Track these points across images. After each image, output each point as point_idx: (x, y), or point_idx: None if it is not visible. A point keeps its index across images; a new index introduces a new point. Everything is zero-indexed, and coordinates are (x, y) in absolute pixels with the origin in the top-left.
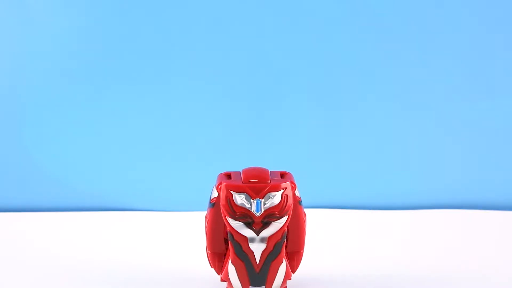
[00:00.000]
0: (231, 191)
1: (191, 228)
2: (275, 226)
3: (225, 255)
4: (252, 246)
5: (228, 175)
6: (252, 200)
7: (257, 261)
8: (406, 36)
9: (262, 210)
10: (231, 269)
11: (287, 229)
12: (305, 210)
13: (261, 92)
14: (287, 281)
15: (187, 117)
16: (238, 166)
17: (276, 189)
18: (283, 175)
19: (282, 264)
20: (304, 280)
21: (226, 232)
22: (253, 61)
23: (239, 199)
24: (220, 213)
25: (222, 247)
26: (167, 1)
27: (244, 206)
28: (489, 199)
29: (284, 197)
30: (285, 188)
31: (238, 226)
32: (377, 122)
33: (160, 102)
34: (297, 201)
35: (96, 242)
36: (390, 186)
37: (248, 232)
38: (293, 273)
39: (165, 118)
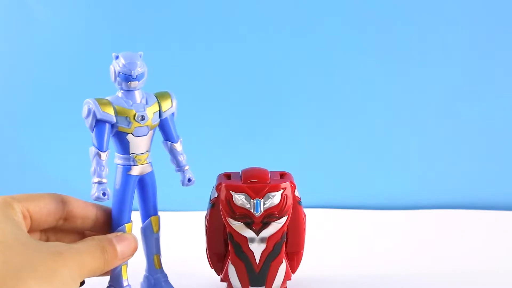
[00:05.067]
0: (230, 192)
1: (191, 228)
2: (275, 226)
3: (225, 255)
4: (252, 246)
5: (228, 176)
6: (251, 200)
7: (257, 262)
8: (404, 37)
9: (262, 210)
10: (231, 269)
11: (287, 229)
12: (305, 210)
13: (261, 93)
14: (287, 281)
15: (187, 118)
16: (237, 166)
17: (275, 189)
18: (282, 175)
19: (282, 264)
20: (304, 280)
21: (226, 232)
22: (254, 63)
23: (239, 199)
24: (219, 214)
25: (222, 247)
26: (170, 2)
27: (244, 207)
28: (489, 199)
29: (283, 197)
30: (285, 188)
31: (238, 226)
32: (377, 123)
33: None
34: (297, 201)
35: None
36: (390, 186)
37: (248, 233)
38: (293, 273)
39: None
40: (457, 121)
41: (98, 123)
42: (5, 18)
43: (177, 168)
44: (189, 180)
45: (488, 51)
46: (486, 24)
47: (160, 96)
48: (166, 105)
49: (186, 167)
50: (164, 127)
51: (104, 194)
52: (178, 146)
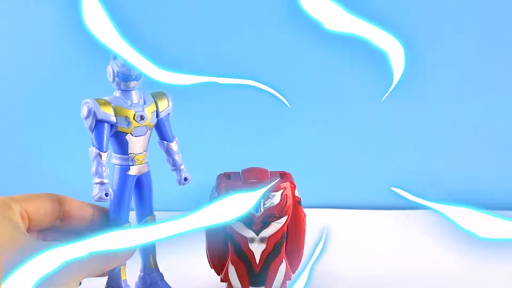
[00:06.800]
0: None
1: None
2: (275, 226)
3: (225, 255)
4: (252, 246)
5: (228, 176)
6: None
7: (257, 261)
8: (404, 38)
9: (262, 210)
10: (231, 269)
11: (287, 229)
12: (305, 210)
13: (261, 93)
14: (287, 281)
15: (187, 118)
16: (238, 166)
17: (275, 189)
18: (282, 175)
19: (282, 264)
20: None
21: (226, 232)
22: (255, 63)
23: None
24: None
25: (222, 247)
26: (171, 3)
27: None
28: (489, 199)
29: (283, 197)
30: (285, 188)
31: (238, 226)
32: (376, 123)
33: None
34: (297, 201)
35: None
36: (390, 186)
37: (248, 233)
38: (293, 273)
39: None
40: (457, 121)
41: (98, 123)
42: (5, 18)
43: (173, 168)
44: (185, 179)
45: (488, 51)
46: (487, 24)
47: (157, 96)
48: (163, 105)
49: (182, 166)
50: (160, 127)
51: (106, 194)
52: (174, 146)
